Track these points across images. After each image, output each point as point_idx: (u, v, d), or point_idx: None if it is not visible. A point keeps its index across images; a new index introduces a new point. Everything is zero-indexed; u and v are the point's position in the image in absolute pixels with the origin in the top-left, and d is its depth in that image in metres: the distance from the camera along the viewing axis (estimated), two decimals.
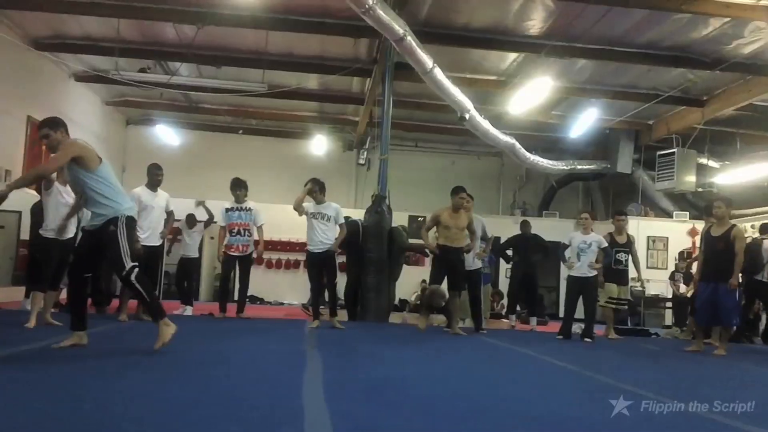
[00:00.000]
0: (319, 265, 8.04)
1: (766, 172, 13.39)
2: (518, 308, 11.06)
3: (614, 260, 8.83)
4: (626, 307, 9.13)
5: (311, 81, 12.57)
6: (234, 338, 6.61)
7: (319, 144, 15.65)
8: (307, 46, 11.14)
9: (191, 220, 10.24)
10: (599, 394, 4.10)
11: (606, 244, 8.45)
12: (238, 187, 8.83)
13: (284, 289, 14.49)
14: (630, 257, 9.00)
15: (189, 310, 9.65)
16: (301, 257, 14.16)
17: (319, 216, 8.03)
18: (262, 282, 14.68)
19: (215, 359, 4.90)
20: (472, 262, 8.44)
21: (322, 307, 8.27)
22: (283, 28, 10.16)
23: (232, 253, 8.73)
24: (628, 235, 9.06)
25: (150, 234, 7.75)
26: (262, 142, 16.30)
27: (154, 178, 7.92)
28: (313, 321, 8.05)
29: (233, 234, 8.71)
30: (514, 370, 5.55)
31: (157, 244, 7.99)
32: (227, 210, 8.80)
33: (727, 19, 9.01)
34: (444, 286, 8.24)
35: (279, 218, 15.18)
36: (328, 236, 7.98)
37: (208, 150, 15.98)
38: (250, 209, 8.82)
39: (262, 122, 15.75)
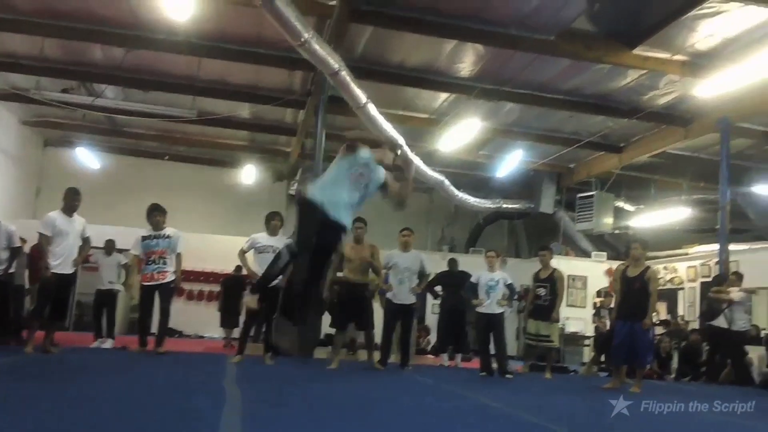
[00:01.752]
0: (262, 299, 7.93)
1: (677, 217, 14.08)
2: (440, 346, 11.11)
3: (534, 295, 8.90)
4: (552, 343, 8.89)
5: (243, 110, 12.50)
6: (149, 372, 6.39)
7: (249, 174, 15.49)
8: (240, 75, 11.09)
9: (110, 246, 9.89)
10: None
11: (510, 281, 8.65)
12: (156, 213, 8.27)
13: (205, 322, 14.11)
14: (554, 292, 8.79)
15: (109, 343, 9.32)
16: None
17: (270, 249, 7.94)
18: (181, 314, 14.28)
19: (128, 394, 4.71)
20: (407, 296, 8.48)
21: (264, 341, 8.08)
22: (217, 55, 10.09)
23: (148, 283, 8.15)
24: (553, 270, 8.93)
25: (63, 261, 7.39)
26: (190, 170, 16.02)
27: (71, 203, 7.54)
28: (235, 356, 7.90)
29: (149, 263, 8.16)
30: (433, 405, 5.58)
31: (70, 271, 7.56)
32: (143, 238, 8.24)
33: (645, 71, 9.55)
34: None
35: (204, 248, 14.86)
36: None
37: (132, 175, 15.56)
38: (168, 236, 8.24)
39: (191, 149, 15.50)
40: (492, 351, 8.52)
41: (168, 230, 8.29)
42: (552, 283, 8.79)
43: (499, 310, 8.45)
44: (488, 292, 8.42)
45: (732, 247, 11.04)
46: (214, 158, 16.03)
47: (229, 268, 12.19)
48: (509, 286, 8.59)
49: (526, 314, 8.99)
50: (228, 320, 11.52)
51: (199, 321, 14.12)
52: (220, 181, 15.92)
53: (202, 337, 13.78)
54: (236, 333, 11.56)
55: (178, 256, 8.30)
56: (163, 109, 12.11)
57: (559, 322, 8.85)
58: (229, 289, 11.64)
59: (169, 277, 8.23)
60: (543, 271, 8.96)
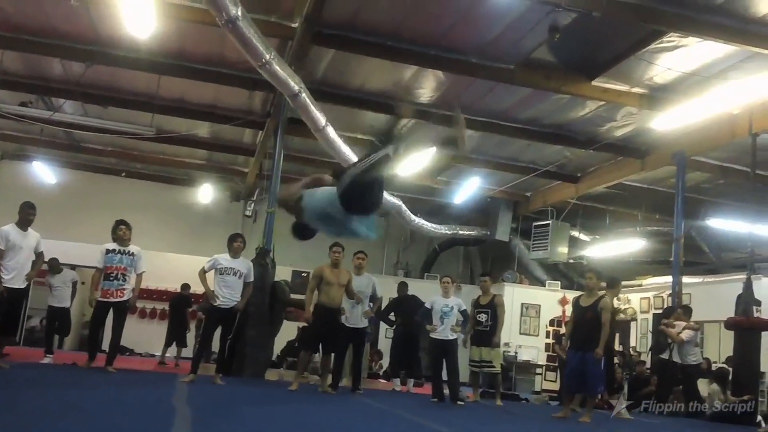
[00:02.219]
0: (219, 321, 7.85)
1: (632, 248, 14.31)
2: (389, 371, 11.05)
3: (476, 321, 8.86)
4: (494, 368, 8.81)
5: (202, 129, 12.38)
6: (97, 390, 6.22)
7: (206, 192, 15.30)
8: (200, 94, 11.00)
9: (53, 264, 9.66)
10: None
11: (465, 308, 8.69)
12: (123, 227, 8.08)
13: (157, 341, 13.80)
14: (495, 317, 8.79)
15: (49, 359, 9.07)
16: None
17: (231, 271, 7.81)
18: (133, 332, 13.96)
19: (75, 412, 4.57)
20: (359, 320, 8.42)
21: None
22: (177, 74, 9.99)
23: (104, 299, 7.95)
24: (493, 296, 8.95)
25: (15, 275, 7.30)
26: (147, 187, 15.76)
27: (26, 217, 7.45)
28: (188, 375, 7.74)
29: (110, 278, 7.96)
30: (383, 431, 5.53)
31: (22, 286, 7.47)
32: (108, 251, 8.00)
33: (603, 102, 9.71)
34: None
35: (158, 266, 14.55)
36: (235, 292, 7.80)
37: (88, 191, 15.24)
38: (132, 254, 8.08)
39: (148, 166, 15.27)
40: (444, 377, 8.51)
41: (132, 247, 8.13)
42: (492, 308, 8.83)
43: (452, 336, 8.47)
44: (442, 318, 8.42)
45: (685, 279, 11.22)
46: (171, 176, 15.82)
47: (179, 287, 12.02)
48: (463, 313, 8.62)
49: (467, 341, 9.00)
50: (171, 338, 11.31)
51: (151, 339, 13.79)
52: (177, 199, 15.69)
53: (153, 355, 13.46)
54: (180, 352, 11.44)
55: (140, 275, 8.19)
56: (122, 126, 11.89)
57: (500, 347, 8.85)
58: (175, 307, 11.47)
59: (127, 295, 8.09)
60: (483, 297, 8.99)
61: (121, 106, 11.38)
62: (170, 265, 13.95)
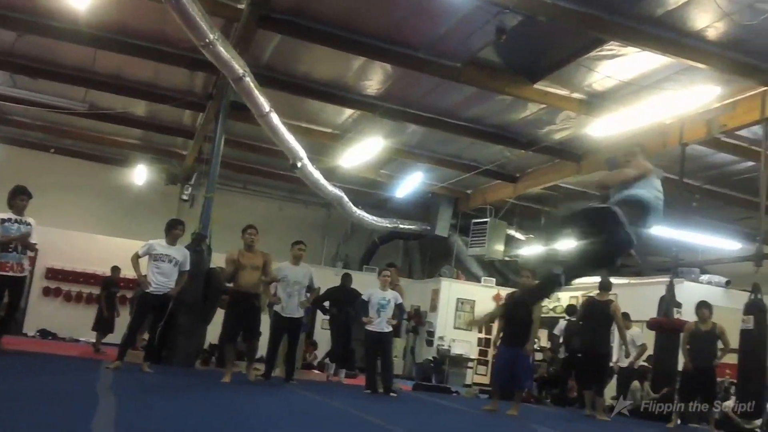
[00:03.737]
0: (152, 307, 7.68)
1: (564, 249, 14.62)
2: (328, 360, 11.05)
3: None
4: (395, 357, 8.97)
5: (139, 107, 12.01)
6: (9, 375, 5.96)
7: (141, 174, 14.85)
8: (138, 71, 10.64)
9: None
10: None
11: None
12: (22, 196, 7.47)
13: (81, 325, 13.37)
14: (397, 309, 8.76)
15: None
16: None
17: (167, 258, 7.60)
18: (58, 316, 13.53)
19: None
20: (295, 310, 8.35)
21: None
22: (115, 49, 9.62)
23: (4, 273, 7.26)
24: (394, 287, 8.94)
25: None
26: (77, 165, 15.16)
27: None
28: (114, 361, 7.52)
29: (8, 250, 7.30)
30: (316, 422, 5.49)
31: None
32: (4, 221, 7.35)
33: (544, 105, 9.89)
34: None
35: (85, 248, 14.18)
36: (169, 280, 7.60)
37: (13, 166, 14.41)
38: (29, 224, 7.48)
39: (79, 144, 14.70)
40: (378, 369, 8.53)
41: (29, 218, 7.55)
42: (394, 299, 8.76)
43: (388, 329, 8.50)
44: (379, 310, 8.46)
45: (613, 280, 11.54)
46: (104, 155, 15.26)
47: (107, 270, 11.68)
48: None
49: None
50: (102, 324, 10.98)
51: (76, 324, 13.35)
52: (109, 179, 15.16)
53: (77, 340, 13.05)
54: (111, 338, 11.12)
55: (34, 245, 7.60)
56: (53, 100, 11.47)
57: (400, 337, 8.86)
58: (105, 291, 11.16)
59: (26, 271, 7.67)
60: (384, 289, 8.86)
61: (53, 79, 10.91)
62: (100, 248, 13.56)
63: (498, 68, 8.98)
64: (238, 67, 7.99)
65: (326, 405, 6.88)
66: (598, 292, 9.31)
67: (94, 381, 6.27)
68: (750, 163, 10.56)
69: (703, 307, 8.56)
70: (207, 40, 7.22)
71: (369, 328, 8.51)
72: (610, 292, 9.24)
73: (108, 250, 12.89)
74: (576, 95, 9.43)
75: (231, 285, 8.06)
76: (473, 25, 7.88)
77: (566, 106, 9.69)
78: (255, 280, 7.88)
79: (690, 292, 10.51)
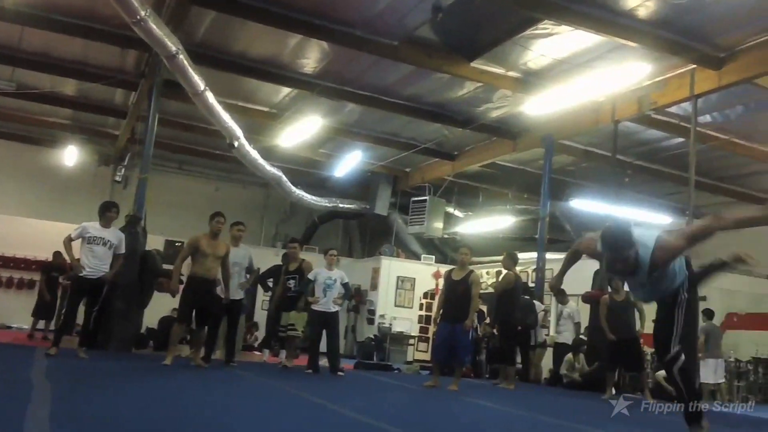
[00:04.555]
0: (86, 291, 7.45)
1: (502, 225, 14.91)
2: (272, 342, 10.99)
3: (284, 287, 8.82)
4: (296, 331, 8.69)
5: (68, 86, 11.60)
6: None
7: (71, 155, 14.35)
8: (67, 49, 10.26)
9: None
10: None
11: (347, 280, 8.76)
12: None
13: (14, 311, 12.96)
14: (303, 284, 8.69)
15: None
16: (37, 276, 12.93)
17: (100, 241, 7.39)
18: None
19: None
20: (235, 292, 8.28)
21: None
22: (43, 26, 9.27)
23: None
24: (301, 261, 8.90)
25: None
26: (4, 146, 14.60)
27: None
28: (51, 348, 7.33)
29: None
30: (260, 404, 5.49)
31: None
32: None
33: (480, 84, 9.99)
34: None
35: (14, 232, 13.72)
36: (103, 263, 7.40)
37: None
38: None
39: (6, 124, 14.12)
40: (322, 349, 8.55)
41: None
42: (301, 274, 8.77)
43: (334, 309, 8.51)
44: (325, 290, 8.46)
45: (549, 255, 11.86)
46: (32, 136, 14.72)
47: (42, 255, 11.33)
48: (345, 285, 8.68)
49: (275, 306, 9.01)
50: (42, 310, 10.69)
51: (7, 309, 12.94)
52: (39, 161, 14.65)
53: (9, 327, 12.65)
54: (49, 325, 10.85)
55: None
56: None
57: (305, 312, 8.82)
58: (49, 276, 10.85)
59: None
60: (292, 263, 8.94)
61: None
62: (27, 232, 13.15)
63: (435, 46, 9.02)
64: (171, 44, 7.81)
65: (268, 386, 6.87)
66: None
67: (28, 368, 6.10)
68: (680, 140, 10.96)
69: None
70: (138, 17, 7.03)
71: (315, 307, 8.51)
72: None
73: (38, 235, 12.52)
74: (512, 74, 9.55)
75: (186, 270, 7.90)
76: (410, 3, 7.90)
77: (502, 84, 9.82)
78: (216, 267, 7.80)
79: None
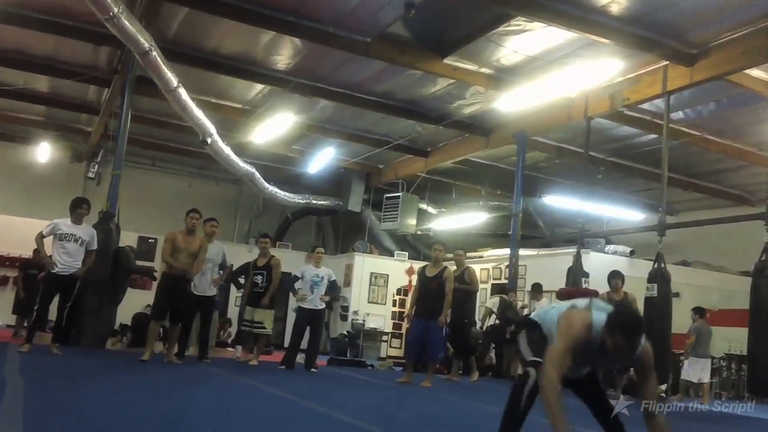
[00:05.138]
0: (58, 288, 7.44)
1: (475, 221, 15.05)
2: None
3: (252, 282, 8.78)
4: (264, 329, 8.68)
5: (41, 83, 11.48)
6: None
7: (44, 152, 14.21)
8: (39, 46, 10.16)
9: None
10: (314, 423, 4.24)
11: (335, 278, 8.82)
12: None
13: None
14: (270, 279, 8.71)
15: None
16: (10, 272, 12.80)
17: (72, 237, 7.36)
18: None
19: None
20: (207, 288, 8.29)
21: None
22: (14, 22, 9.14)
23: None
24: (270, 257, 8.86)
25: None
26: None
27: None
28: (24, 344, 7.32)
29: None
30: (233, 401, 5.53)
31: None
32: None
33: (453, 80, 10.05)
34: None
35: None
36: (75, 260, 7.39)
37: None
38: None
39: None
40: (301, 346, 8.60)
41: None
42: (269, 270, 8.72)
43: (321, 306, 8.57)
44: (312, 287, 8.51)
45: (522, 252, 12.00)
46: (4, 132, 14.53)
47: (15, 252, 11.21)
48: (332, 283, 8.74)
49: (244, 302, 9.04)
50: (24, 308, 10.59)
51: None
52: (10, 157, 14.48)
53: None
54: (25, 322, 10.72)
55: None
56: None
57: (272, 309, 8.82)
58: (27, 273, 10.74)
59: None
60: (261, 258, 8.92)
61: None
62: (4, 229, 13.01)
63: (408, 43, 9.07)
64: (144, 41, 7.79)
65: (241, 383, 6.91)
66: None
67: (1, 365, 6.06)
68: (652, 136, 11.12)
69: (615, 277, 8.61)
70: (111, 14, 7.00)
71: (302, 304, 8.55)
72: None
73: (10, 232, 12.38)
74: (484, 70, 9.63)
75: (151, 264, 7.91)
76: (382, 0, 7.92)
77: (475, 80, 9.89)
78: (189, 263, 7.80)
79: (596, 262, 11.02)
